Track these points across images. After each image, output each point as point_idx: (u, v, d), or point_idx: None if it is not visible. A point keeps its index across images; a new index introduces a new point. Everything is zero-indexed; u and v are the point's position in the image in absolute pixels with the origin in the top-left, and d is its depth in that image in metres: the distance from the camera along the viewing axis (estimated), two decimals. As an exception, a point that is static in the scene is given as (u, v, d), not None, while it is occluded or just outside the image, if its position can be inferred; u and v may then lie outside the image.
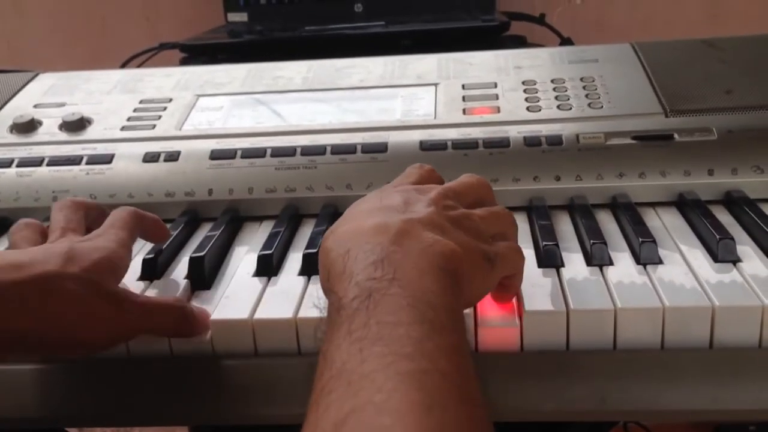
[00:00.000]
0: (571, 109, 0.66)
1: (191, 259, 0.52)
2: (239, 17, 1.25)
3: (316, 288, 0.49)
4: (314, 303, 0.47)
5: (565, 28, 1.15)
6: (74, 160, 0.64)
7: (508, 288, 0.45)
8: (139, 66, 1.06)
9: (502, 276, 0.43)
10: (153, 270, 0.52)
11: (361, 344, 0.31)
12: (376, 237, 0.37)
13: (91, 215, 0.51)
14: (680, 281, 0.47)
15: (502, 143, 0.62)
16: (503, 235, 0.45)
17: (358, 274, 0.34)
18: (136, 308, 0.44)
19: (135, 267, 0.54)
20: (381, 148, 0.63)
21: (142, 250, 0.57)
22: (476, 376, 0.32)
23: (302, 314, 0.46)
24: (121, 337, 0.44)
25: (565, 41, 1.10)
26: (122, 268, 0.46)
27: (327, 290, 0.37)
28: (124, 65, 1.08)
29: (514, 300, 0.46)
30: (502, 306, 0.46)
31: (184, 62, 1.06)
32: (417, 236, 0.37)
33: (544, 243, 0.51)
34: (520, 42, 1.04)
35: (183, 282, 0.51)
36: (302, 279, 0.51)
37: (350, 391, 0.29)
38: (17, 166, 0.64)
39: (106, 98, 0.74)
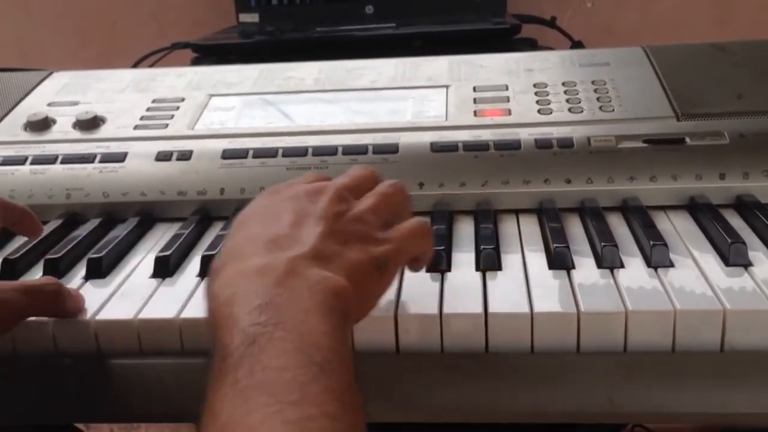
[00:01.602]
0: (582, 112, 0.66)
1: (203, 258, 0.52)
2: (250, 18, 1.25)
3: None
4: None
5: (576, 31, 1.15)
6: (88, 159, 0.65)
7: (422, 260, 0.47)
8: (150, 66, 1.06)
9: (396, 271, 0.44)
10: (165, 268, 0.53)
11: (246, 394, 0.30)
12: (261, 279, 0.36)
13: (12, 216, 0.52)
14: (691, 285, 0.47)
15: (513, 145, 0.62)
16: (398, 214, 0.46)
17: (243, 320, 0.34)
18: (15, 295, 0.44)
19: (148, 265, 0.54)
20: (392, 149, 0.63)
21: (154, 248, 0.57)
22: (364, 413, 0.32)
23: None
24: (9, 324, 0.45)
25: (576, 44, 1.10)
26: None
27: (213, 338, 0.36)
28: (136, 65, 1.08)
29: None
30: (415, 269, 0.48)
31: (196, 62, 1.07)
32: (302, 275, 0.37)
33: (555, 245, 0.52)
34: (530, 45, 1.04)
35: (195, 279, 0.51)
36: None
37: None
38: (31, 163, 0.65)
39: (119, 97, 0.74)
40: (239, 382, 0.31)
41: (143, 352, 0.47)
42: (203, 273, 0.52)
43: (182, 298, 0.49)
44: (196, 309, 0.48)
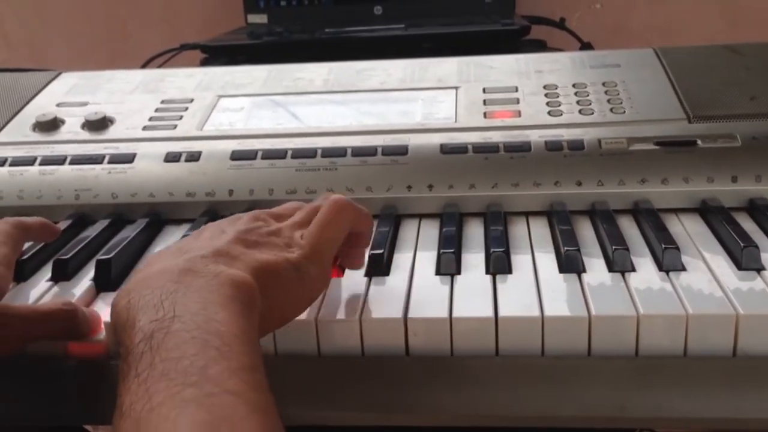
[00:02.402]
0: (593, 113, 0.65)
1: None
2: (259, 19, 1.25)
3: (336, 290, 0.49)
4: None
5: (585, 32, 1.15)
6: (96, 159, 0.65)
7: (360, 238, 0.48)
8: (159, 66, 1.07)
9: (326, 270, 0.45)
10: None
11: (148, 383, 0.31)
12: (158, 281, 0.37)
13: (31, 234, 0.53)
14: (703, 288, 0.47)
15: (523, 147, 0.61)
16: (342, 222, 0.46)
17: (140, 320, 0.35)
18: (17, 321, 0.44)
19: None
20: (401, 150, 0.63)
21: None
22: (269, 390, 0.33)
23: (324, 316, 0.46)
24: (11, 348, 0.45)
25: (585, 46, 1.10)
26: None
27: (117, 343, 0.37)
28: (145, 65, 1.08)
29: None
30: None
31: (205, 63, 1.07)
32: (199, 271, 0.38)
33: (566, 248, 0.51)
34: (539, 46, 1.04)
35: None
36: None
37: (140, 427, 0.30)
38: (40, 164, 0.65)
39: (129, 98, 0.74)
40: (140, 375, 0.32)
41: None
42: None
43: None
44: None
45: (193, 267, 0.38)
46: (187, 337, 0.33)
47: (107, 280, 0.52)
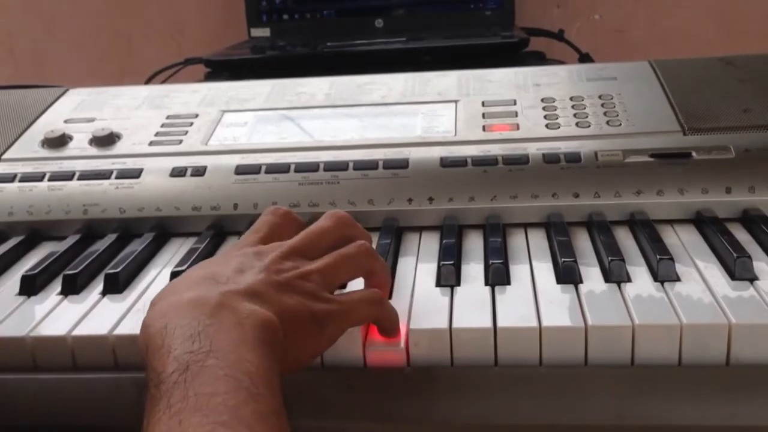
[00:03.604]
0: (589, 126, 0.67)
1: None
2: (262, 32, 1.27)
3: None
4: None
5: (585, 43, 1.16)
6: (104, 175, 0.66)
7: (384, 328, 0.47)
8: (164, 80, 1.08)
9: (341, 331, 0.44)
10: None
11: (181, 416, 0.32)
12: (193, 311, 0.38)
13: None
14: (697, 298, 0.48)
15: (522, 160, 0.63)
16: (367, 273, 0.47)
17: (176, 349, 0.36)
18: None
19: (164, 279, 0.55)
20: (402, 164, 0.64)
21: (170, 263, 0.58)
22: None
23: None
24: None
25: (584, 57, 1.11)
26: None
27: (146, 366, 0.37)
28: (150, 79, 1.10)
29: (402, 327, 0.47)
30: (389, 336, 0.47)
31: (209, 77, 1.08)
32: (233, 308, 0.39)
33: (563, 259, 0.52)
34: (538, 58, 1.05)
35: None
36: (325, 293, 0.52)
37: None
38: (49, 180, 0.66)
39: (135, 114, 0.76)
40: (173, 407, 0.33)
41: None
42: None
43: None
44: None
45: (228, 303, 0.39)
46: (220, 374, 0.34)
47: (116, 294, 0.54)
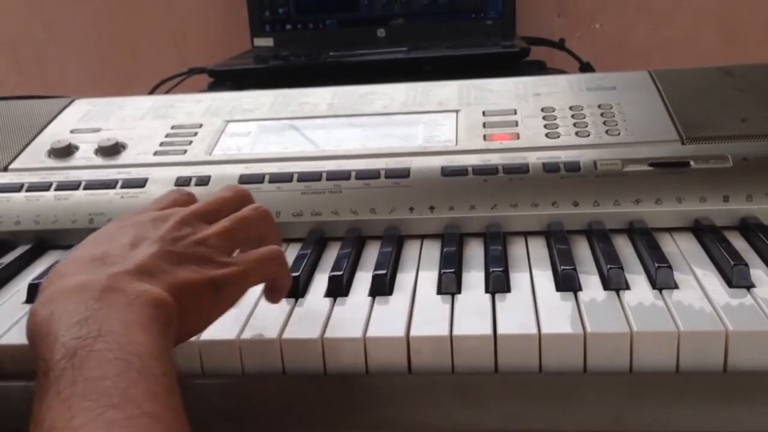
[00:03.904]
0: (589, 135, 0.67)
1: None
2: (265, 42, 1.28)
3: (341, 309, 0.51)
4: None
5: (585, 52, 1.17)
6: (109, 184, 0.67)
7: (276, 290, 0.49)
8: (168, 90, 1.09)
9: (240, 294, 0.46)
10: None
11: (70, 402, 0.32)
12: (81, 296, 0.38)
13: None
14: (695, 306, 0.48)
15: (522, 169, 0.63)
16: (261, 235, 0.48)
17: (63, 335, 0.35)
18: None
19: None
20: (404, 173, 0.65)
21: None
22: (184, 413, 0.35)
23: (329, 335, 0.48)
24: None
25: (585, 66, 1.12)
26: None
27: (35, 355, 0.37)
28: (154, 89, 1.11)
29: None
30: (275, 300, 0.50)
31: (212, 86, 1.09)
32: (122, 290, 0.38)
33: (563, 267, 0.53)
34: (539, 67, 1.06)
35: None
36: (328, 301, 0.53)
37: None
38: (55, 189, 0.67)
39: (140, 124, 0.77)
40: (62, 393, 0.33)
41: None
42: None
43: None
44: (213, 332, 0.50)
45: (116, 285, 0.39)
46: (110, 357, 0.34)
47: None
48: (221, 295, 0.44)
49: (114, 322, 0.36)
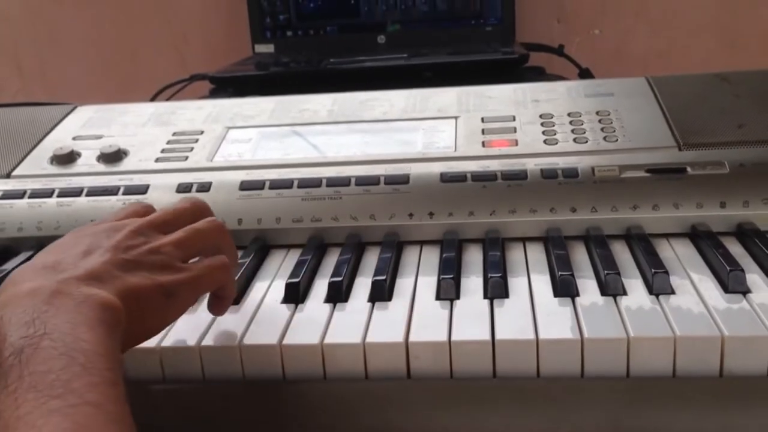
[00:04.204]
0: (587, 142, 0.68)
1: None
2: (266, 48, 1.29)
3: (341, 315, 0.52)
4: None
5: (584, 57, 1.18)
6: (111, 191, 0.68)
7: (222, 299, 0.50)
8: (170, 97, 1.10)
9: (192, 299, 0.47)
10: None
11: (16, 394, 0.34)
12: (30, 300, 0.40)
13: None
14: (691, 311, 0.49)
15: (520, 175, 0.64)
16: (215, 247, 0.50)
17: (12, 335, 0.37)
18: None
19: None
20: (403, 179, 0.65)
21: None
22: (127, 402, 0.36)
23: (329, 340, 0.49)
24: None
25: (584, 71, 1.13)
26: None
27: None
28: (156, 95, 1.12)
29: None
30: (219, 312, 0.51)
31: (214, 93, 1.10)
32: (69, 294, 0.40)
33: (560, 273, 0.53)
34: (538, 73, 1.07)
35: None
36: (328, 306, 0.53)
37: None
38: (58, 196, 0.68)
39: (141, 130, 0.77)
40: (9, 387, 0.35)
41: (167, 380, 0.50)
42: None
43: (202, 328, 0.51)
44: (216, 338, 0.50)
45: (65, 289, 0.41)
46: (55, 354, 0.36)
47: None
48: (173, 301, 0.45)
49: (61, 323, 0.38)
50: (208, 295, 0.51)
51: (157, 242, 0.47)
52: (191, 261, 0.49)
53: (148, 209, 0.52)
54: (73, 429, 0.33)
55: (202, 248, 0.49)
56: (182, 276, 0.46)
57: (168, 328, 0.50)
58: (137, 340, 0.45)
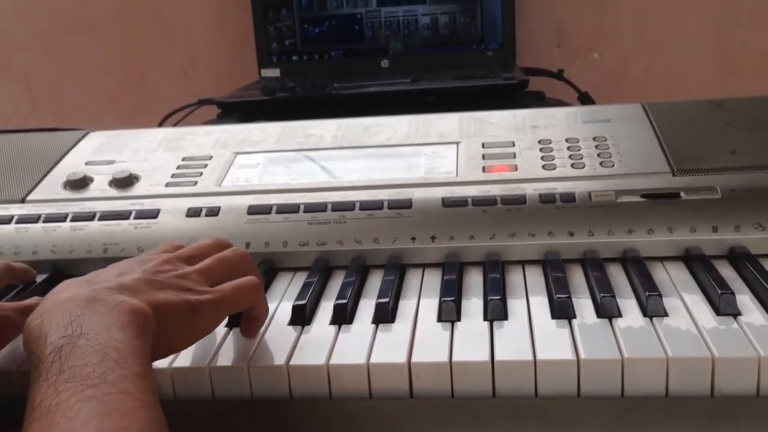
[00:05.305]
0: (584, 167, 0.70)
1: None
2: (272, 72, 1.32)
3: (346, 336, 0.54)
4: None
5: (584, 81, 1.20)
6: (123, 215, 0.70)
7: (253, 319, 0.54)
8: (179, 121, 1.12)
9: (217, 319, 0.50)
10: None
11: (57, 385, 0.38)
12: (67, 305, 0.44)
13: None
14: (684, 333, 0.51)
15: (519, 200, 0.66)
16: (240, 274, 0.53)
17: (52, 335, 0.41)
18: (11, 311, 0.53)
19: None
20: (406, 204, 0.67)
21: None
22: (156, 394, 0.40)
23: (335, 361, 0.50)
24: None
25: (583, 95, 1.15)
26: None
27: (29, 354, 0.43)
28: (165, 119, 1.15)
29: None
30: (251, 334, 0.53)
31: (221, 116, 1.13)
32: (103, 300, 0.44)
33: (558, 296, 0.55)
34: (538, 98, 1.09)
35: (222, 325, 0.56)
36: (333, 328, 0.55)
37: (49, 416, 0.37)
38: (71, 220, 0.70)
39: (152, 156, 0.80)
40: (50, 379, 0.39)
41: (177, 400, 0.51)
42: (229, 321, 0.56)
43: (212, 349, 0.53)
44: (226, 358, 0.52)
45: (99, 296, 0.45)
46: (90, 351, 0.40)
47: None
48: (199, 319, 0.48)
49: (95, 324, 0.42)
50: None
51: (184, 270, 0.51)
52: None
53: (177, 247, 0.56)
54: (106, 412, 0.36)
55: (227, 275, 0.52)
56: (208, 296, 0.49)
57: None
58: (163, 353, 0.48)
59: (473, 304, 0.57)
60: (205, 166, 0.77)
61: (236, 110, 1.10)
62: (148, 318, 0.45)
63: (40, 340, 0.42)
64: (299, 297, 0.58)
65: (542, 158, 0.72)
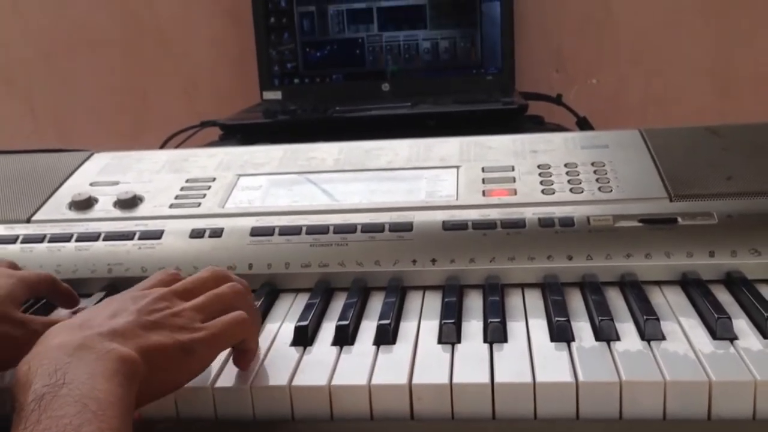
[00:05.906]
0: (582, 192, 0.71)
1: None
2: (274, 95, 1.33)
3: (347, 357, 0.54)
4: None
5: (582, 106, 1.22)
6: (127, 236, 0.71)
7: (245, 352, 0.53)
8: (181, 143, 1.14)
9: (212, 356, 0.50)
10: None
11: None
12: (56, 352, 0.44)
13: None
14: (681, 356, 0.51)
15: (519, 224, 0.67)
16: (234, 309, 0.53)
17: (36, 383, 0.41)
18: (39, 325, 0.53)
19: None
20: (407, 227, 0.68)
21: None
22: None
23: (336, 382, 0.51)
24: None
25: (581, 120, 1.16)
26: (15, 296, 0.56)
27: (13, 399, 0.43)
28: (167, 141, 1.16)
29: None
30: (243, 366, 0.53)
31: (223, 138, 1.14)
32: (92, 347, 0.44)
33: (557, 319, 0.56)
34: (537, 122, 1.11)
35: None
36: (335, 349, 0.56)
37: None
38: (76, 240, 0.71)
39: (156, 177, 0.81)
40: (27, 428, 0.39)
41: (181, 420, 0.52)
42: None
43: (215, 369, 0.54)
44: (228, 379, 0.53)
45: (89, 343, 0.44)
46: (70, 401, 0.40)
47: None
48: (192, 358, 0.49)
49: (80, 373, 0.42)
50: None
51: (179, 307, 0.51)
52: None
53: (175, 277, 0.56)
54: None
55: (222, 310, 0.52)
56: (201, 334, 0.49)
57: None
58: (159, 394, 0.48)
59: (473, 327, 0.58)
60: (209, 187, 0.78)
61: (238, 132, 1.11)
62: (137, 365, 0.44)
63: (25, 386, 0.42)
64: (301, 318, 0.59)
65: (541, 183, 0.73)
